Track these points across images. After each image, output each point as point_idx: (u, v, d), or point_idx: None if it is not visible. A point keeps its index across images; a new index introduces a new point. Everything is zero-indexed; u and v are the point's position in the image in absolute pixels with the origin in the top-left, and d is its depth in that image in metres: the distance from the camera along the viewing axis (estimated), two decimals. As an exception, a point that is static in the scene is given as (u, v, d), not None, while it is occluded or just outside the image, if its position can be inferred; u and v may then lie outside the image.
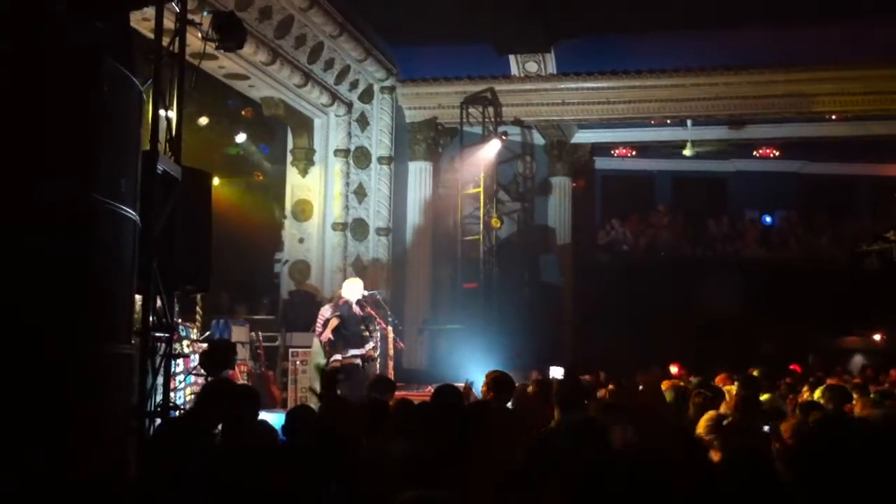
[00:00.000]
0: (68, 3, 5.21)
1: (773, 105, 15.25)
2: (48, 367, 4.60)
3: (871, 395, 7.50)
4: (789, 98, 15.04)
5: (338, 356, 10.40)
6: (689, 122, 17.13)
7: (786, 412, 7.65)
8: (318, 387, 10.83)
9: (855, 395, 7.36)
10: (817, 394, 7.25)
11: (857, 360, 16.08)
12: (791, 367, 13.73)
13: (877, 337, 17.59)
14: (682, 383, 8.21)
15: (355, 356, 10.52)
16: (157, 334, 7.02)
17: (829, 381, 9.63)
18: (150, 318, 6.79)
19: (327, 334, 10.55)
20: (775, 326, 16.67)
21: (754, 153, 19.51)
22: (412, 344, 14.39)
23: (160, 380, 7.10)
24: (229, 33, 8.48)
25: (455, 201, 15.92)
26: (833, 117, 16.22)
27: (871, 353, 16.91)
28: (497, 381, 6.35)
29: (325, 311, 10.99)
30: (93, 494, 4.53)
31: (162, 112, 7.18)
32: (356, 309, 10.69)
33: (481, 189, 15.26)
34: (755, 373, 11.50)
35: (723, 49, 14.58)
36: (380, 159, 15.75)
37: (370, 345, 10.85)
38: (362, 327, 10.70)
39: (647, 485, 3.29)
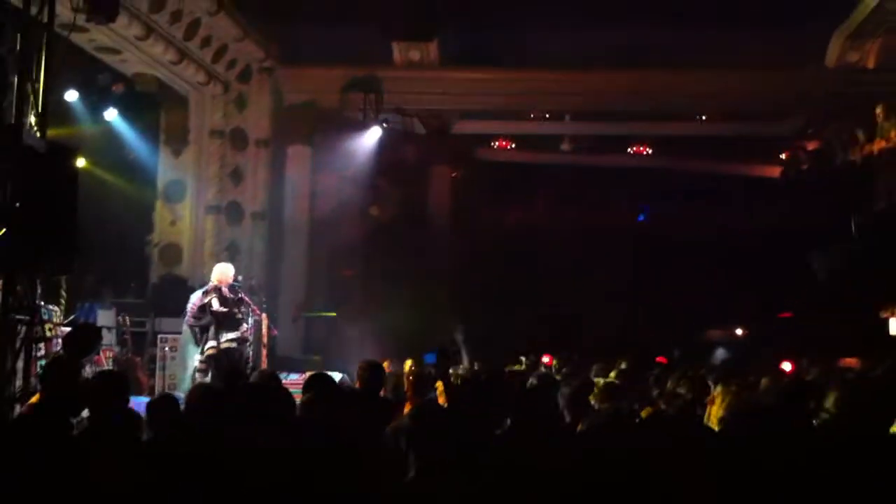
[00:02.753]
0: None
1: (645, 102, 15.74)
2: None
3: (732, 388, 7.82)
4: (659, 96, 15.55)
5: (213, 342, 10.21)
6: (566, 116, 17.46)
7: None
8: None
9: (718, 387, 7.66)
10: (671, 384, 7.51)
11: (720, 353, 16.71)
12: (657, 359, 14.16)
13: (738, 331, 18.38)
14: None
15: (231, 340, 10.34)
16: (18, 316, 6.71)
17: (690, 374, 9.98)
18: (10, 300, 6.48)
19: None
20: (641, 319, 17.25)
21: (628, 149, 20.03)
22: (287, 331, 14.20)
23: (20, 364, 6.78)
24: (101, 5, 8.18)
25: (334, 187, 15.75)
26: (704, 117, 16.86)
27: (733, 346, 17.62)
28: (367, 371, 6.33)
29: (196, 298, 10.74)
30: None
31: (28, 84, 6.84)
32: (226, 293, 10.50)
33: (360, 176, 15.17)
34: (623, 364, 11.85)
35: (602, 47, 14.89)
36: (257, 142, 15.44)
37: (244, 327, 10.67)
38: (235, 310, 10.52)
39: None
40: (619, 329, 16.95)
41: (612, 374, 8.26)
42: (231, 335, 10.38)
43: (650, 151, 19.21)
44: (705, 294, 17.36)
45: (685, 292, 17.53)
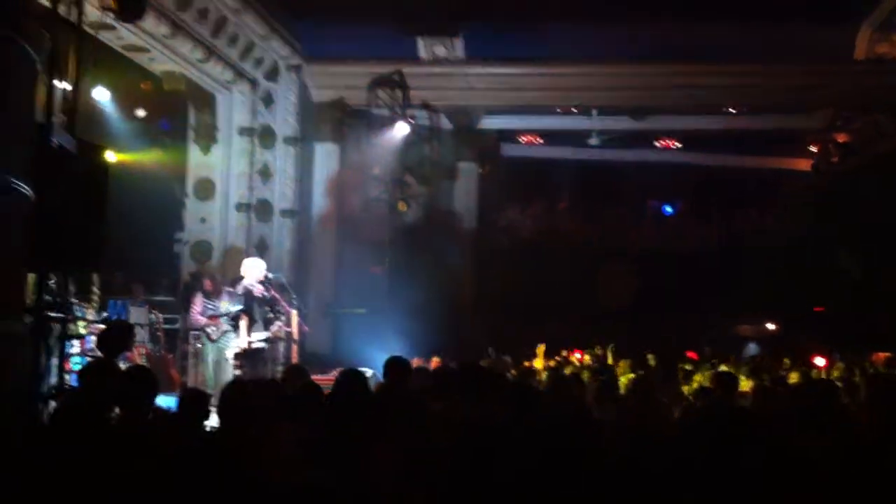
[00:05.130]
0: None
1: (674, 97, 15.64)
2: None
3: (763, 382, 7.77)
4: (687, 90, 15.44)
5: (239, 342, 10.25)
6: (594, 111, 17.36)
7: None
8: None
9: (750, 381, 7.61)
10: (698, 377, 7.48)
11: (752, 347, 16.58)
12: (687, 353, 14.08)
13: (770, 325, 18.21)
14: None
15: (261, 339, 10.37)
16: (51, 314, 6.76)
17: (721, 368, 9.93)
18: (43, 297, 6.53)
19: (202, 319, 10.51)
20: (670, 314, 17.12)
21: (655, 143, 19.91)
22: (316, 327, 14.22)
23: (54, 361, 6.84)
24: (129, 4, 8.21)
25: (361, 184, 15.77)
26: (731, 110, 16.71)
27: (764, 341, 17.47)
28: (393, 366, 6.32)
29: (198, 299, 10.86)
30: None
31: (58, 83, 6.88)
32: (258, 290, 10.50)
33: (387, 172, 15.17)
34: (651, 360, 11.83)
35: (628, 41, 14.81)
36: (285, 139, 15.49)
37: (275, 326, 10.67)
38: (266, 308, 10.53)
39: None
40: (648, 324, 16.84)
41: (641, 370, 8.22)
42: (262, 334, 10.39)
43: (678, 145, 19.08)
44: (736, 288, 17.20)
45: (715, 286, 17.38)
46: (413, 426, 4.80)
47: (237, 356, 10.24)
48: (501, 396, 5.44)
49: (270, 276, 11.02)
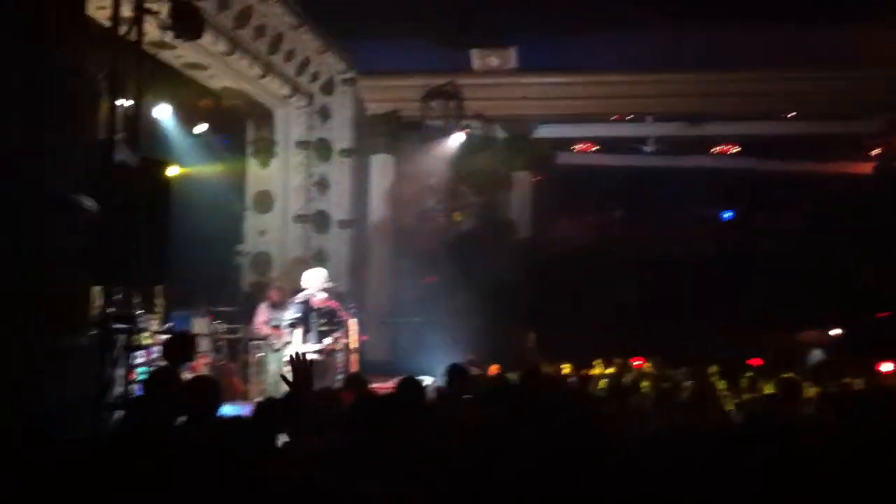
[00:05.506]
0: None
1: (730, 103, 15.49)
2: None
3: (828, 388, 7.66)
4: (744, 97, 15.28)
5: (294, 351, 10.36)
6: (648, 118, 17.26)
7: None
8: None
9: (814, 388, 7.51)
10: (769, 387, 7.39)
11: (816, 354, 16.27)
12: (750, 361, 13.89)
13: (834, 332, 17.85)
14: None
15: (313, 351, 10.46)
16: (116, 325, 6.93)
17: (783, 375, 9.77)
18: (109, 310, 6.70)
19: (265, 329, 10.59)
20: (731, 321, 16.89)
21: (712, 150, 19.68)
22: (374, 336, 14.36)
23: (120, 372, 7.01)
24: (187, 23, 8.41)
25: (417, 195, 15.88)
26: (788, 115, 16.49)
27: (828, 347, 17.13)
28: (452, 374, 6.37)
29: (260, 310, 11.01)
30: (47, 489, 4.45)
31: (119, 101, 7.08)
32: (318, 300, 10.61)
33: (442, 183, 15.26)
34: (714, 368, 11.66)
35: (682, 48, 14.70)
36: (341, 152, 15.68)
37: (329, 340, 10.72)
38: (322, 320, 10.64)
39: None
40: (709, 332, 16.63)
41: (705, 378, 8.13)
42: (313, 346, 10.42)
43: (736, 151, 18.85)
44: (799, 294, 16.90)
45: (778, 292, 17.09)
46: (471, 434, 4.84)
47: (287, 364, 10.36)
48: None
49: (329, 285, 11.13)
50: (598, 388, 9.06)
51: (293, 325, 10.47)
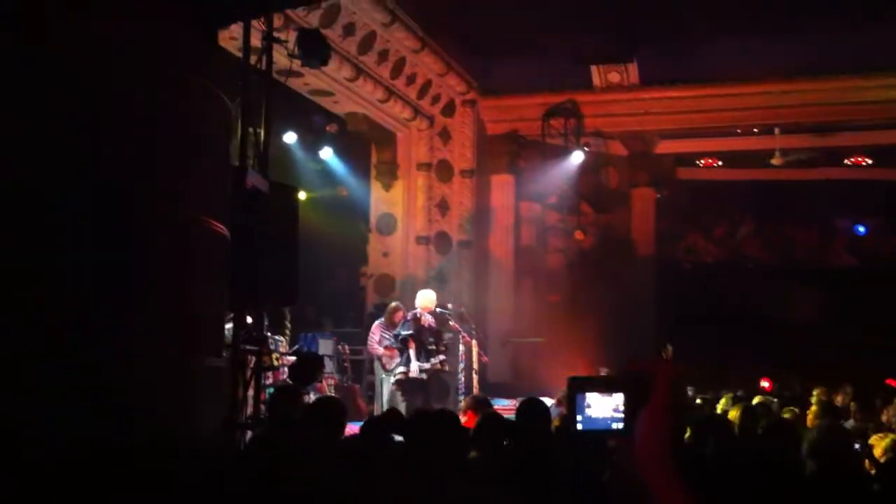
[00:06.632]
0: (160, 28, 5.37)
1: (863, 111, 14.87)
2: (140, 380, 4.69)
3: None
4: (879, 104, 14.63)
5: (403, 368, 10.51)
6: (776, 130, 16.73)
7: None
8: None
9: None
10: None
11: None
12: (887, 381, 13.26)
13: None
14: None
15: (420, 370, 10.55)
16: (248, 347, 7.15)
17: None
18: (241, 332, 6.92)
19: (379, 349, 10.79)
20: (868, 338, 16.15)
21: (845, 161, 18.93)
22: (496, 357, 14.35)
23: (251, 392, 7.22)
24: (314, 50, 8.64)
25: (538, 214, 15.83)
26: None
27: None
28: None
29: (375, 327, 11.15)
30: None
31: (251, 129, 7.34)
32: (427, 321, 10.72)
33: (563, 201, 15.17)
34: (848, 388, 11.18)
35: (809, 55, 14.22)
36: (462, 172, 15.80)
37: (437, 359, 10.74)
38: (431, 339, 10.73)
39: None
40: (842, 350, 15.96)
41: (838, 399, 7.80)
42: (423, 365, 10.52)
43: (869, 162, 18.09)
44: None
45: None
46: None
47: (396, 383, 10.52)
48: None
49: (450, 306, 11.25)
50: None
51: (404, 342, 10.60)
